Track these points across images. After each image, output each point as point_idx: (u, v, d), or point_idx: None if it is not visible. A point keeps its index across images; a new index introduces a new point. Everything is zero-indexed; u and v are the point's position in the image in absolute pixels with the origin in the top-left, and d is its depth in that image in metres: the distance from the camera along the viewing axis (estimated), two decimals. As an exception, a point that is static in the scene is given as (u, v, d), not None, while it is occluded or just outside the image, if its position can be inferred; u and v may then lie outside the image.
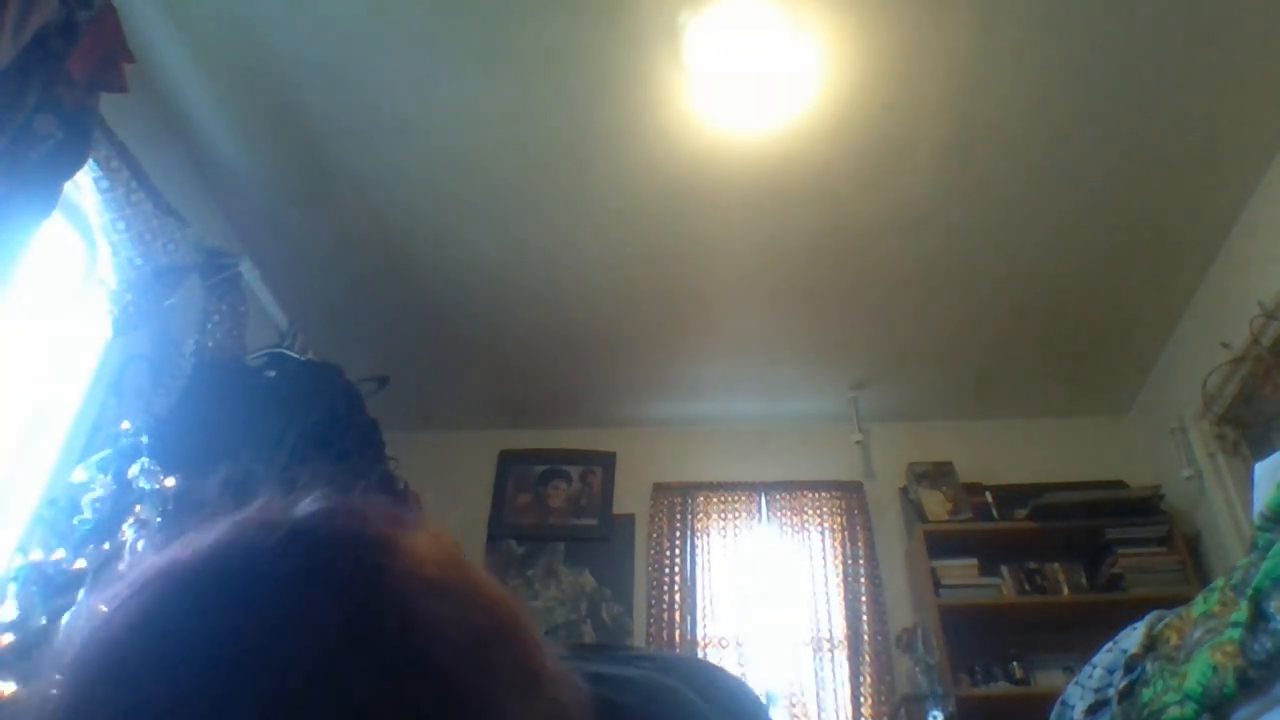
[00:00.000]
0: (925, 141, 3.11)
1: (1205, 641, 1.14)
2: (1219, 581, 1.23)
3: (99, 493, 2.20)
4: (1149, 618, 1.43)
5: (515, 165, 3.20)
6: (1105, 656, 1.47)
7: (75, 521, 2.16)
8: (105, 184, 2.43)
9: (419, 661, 0.50)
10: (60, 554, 2.05)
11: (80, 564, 2.03)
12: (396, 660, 0.49)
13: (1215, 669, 1.06)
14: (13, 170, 1.78)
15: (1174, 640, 1.29)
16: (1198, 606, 1.25)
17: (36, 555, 2.05)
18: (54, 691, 0.50)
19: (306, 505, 0.55)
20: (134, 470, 2.27)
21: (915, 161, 3.19)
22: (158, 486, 2.23)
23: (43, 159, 1.85)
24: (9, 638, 1.85)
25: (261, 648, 0.48)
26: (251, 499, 0.57)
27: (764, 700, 3.69)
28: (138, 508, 2.17)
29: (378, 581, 0.52)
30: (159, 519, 2.15)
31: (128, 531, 2.13)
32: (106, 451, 2.34)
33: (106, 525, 2.14)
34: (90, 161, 2.24)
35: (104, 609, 0.52)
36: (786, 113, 2.97)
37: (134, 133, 2.58)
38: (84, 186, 2.41)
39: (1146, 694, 1.23)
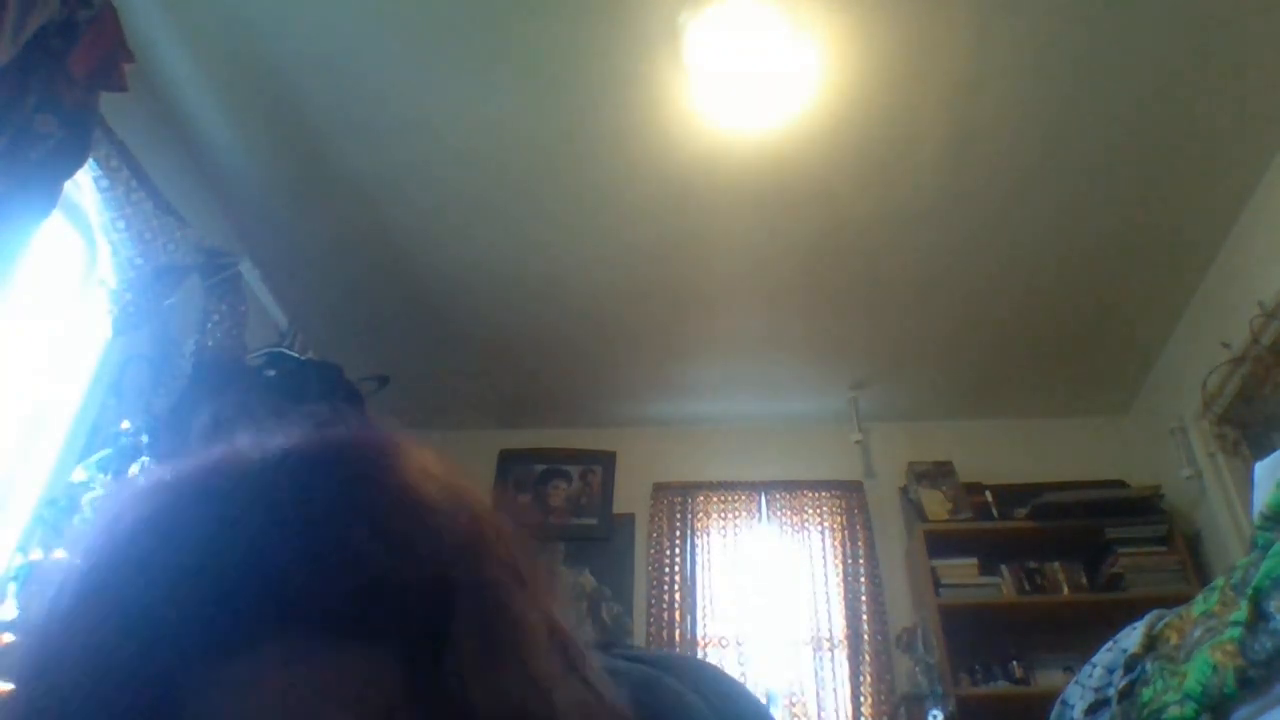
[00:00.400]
0: (925, 141, 3.11)
1: (1205, 641, 1.14)
2: (1219, 581, 1.23)
3: (99, 492, 2.20)
4: (1149, 617, 1.43)
5: (516, 164, 3.20)
6: (1105, 656, 1.47)
7: (75, 521, 2.16)
8: (105, 183, 2.43)
9: (426, 542, 0.52)
10: (60, 554, 2.05)
11: (80, 563, 2.03)
12: (405, 538, 0.52)
13: (1215, 668, 1.06)
14: (12, 170, 1.78)
15: (1174, 640, 1.29)
16: (1198, 606, 1.25)
17: (36, 555, 2.06)
18: (58, 597, 0.51)
19: (310, 427, 0.58)
20: (134, 470, 2.27)
21: (915, 161, 3.19)
22: (158, 486, 2.22)
23: (43, 158, 1.85)
24: (9, 637, 1.85)
25: (276, 530, 0.50)
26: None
27: (766, 702, 3.69)
28: (138, 507, 2.17)
29: (387, 472, 0.55)
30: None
31: (128, 531, 2.13)
32: (106, 451, 2.34)
33: (106, 525, 2.14)
34: (90, 161, 2.24)
35: (102, 523, 0.53)
36: (786, 112, 2.97)
37: (134, 132, 2.59)
38: (84, 186, 2.41)
39: (1146, 693, 1.23)
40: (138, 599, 0.49)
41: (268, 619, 0.48)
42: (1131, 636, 1.42)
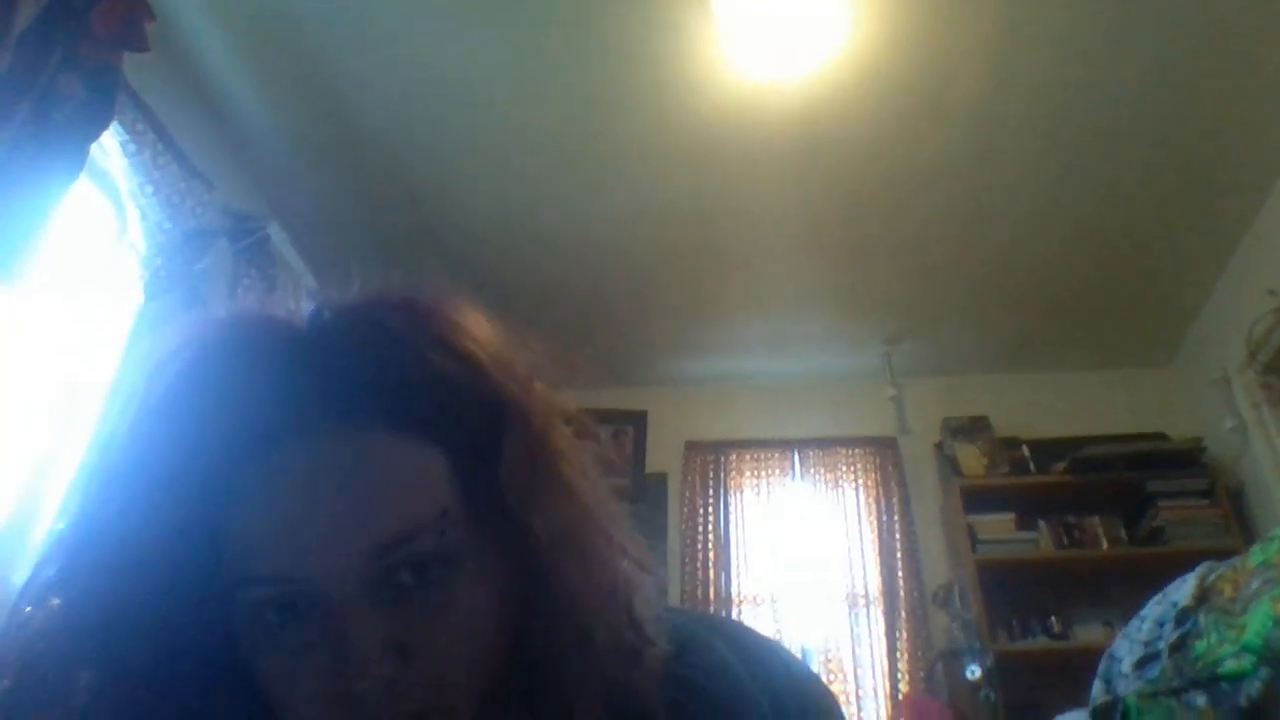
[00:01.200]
0: (959, 90, 3.02)
1: (1264, 593, 1.10)
2: (1278, 531, 1.19)
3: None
4: (1200, 569, 1.39)
5: (544, 119, 3.15)
6: (1154, 609, 1.43)
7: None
8: (132, 148, 2.42)
9: (484, 362, 0.59)
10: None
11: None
12: (466, 352, 0.58)
13: (1276, 620, 1.03)
14: (39, 131, 1.77)
15: (1228, 592, 1.25)
16: (1255, 557, 1.21)
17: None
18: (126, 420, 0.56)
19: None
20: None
21: (949, 111, 3.10)
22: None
23: (68, 119, 1.84)
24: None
25: (345, 339, 0.56)
26: None
27: (804, 659, 3.69)
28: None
29: (452, 310, 0.61)
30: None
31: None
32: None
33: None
34: (116, 124, 2.23)
35: (156, 365, 0.57)
36: (817, 60, 2.89)
37: (158, 96, 2.57)
38: (110, 150, 2.40)
39: (1200, 646, 1.20)
40: (204, 396, 0.53)
41: (332, 409, 0.53)
42: (1182, 589, 1.38)
